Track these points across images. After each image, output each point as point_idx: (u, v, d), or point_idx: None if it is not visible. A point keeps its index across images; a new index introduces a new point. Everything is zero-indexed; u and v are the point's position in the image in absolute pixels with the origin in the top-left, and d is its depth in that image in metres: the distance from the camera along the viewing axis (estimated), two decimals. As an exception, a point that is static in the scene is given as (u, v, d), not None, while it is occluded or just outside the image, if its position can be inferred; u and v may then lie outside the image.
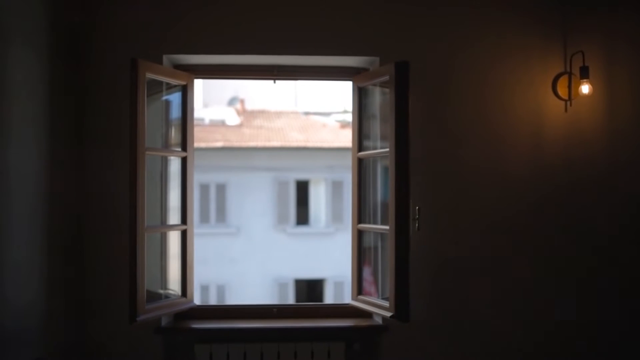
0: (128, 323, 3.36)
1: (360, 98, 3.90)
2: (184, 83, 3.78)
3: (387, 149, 3.50)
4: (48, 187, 3.34)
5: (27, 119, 3.18)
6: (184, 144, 3.80)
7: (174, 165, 3.86)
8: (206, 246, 13.32)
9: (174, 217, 3.84)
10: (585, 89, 3.71)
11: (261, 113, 17.92)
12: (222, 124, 17.51)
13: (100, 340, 3.70)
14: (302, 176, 15.54)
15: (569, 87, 3.79)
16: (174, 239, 3.85)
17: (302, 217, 15.49)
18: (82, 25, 3.70)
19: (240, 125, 17.12)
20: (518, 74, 3.84)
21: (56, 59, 3.44)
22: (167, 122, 3.90)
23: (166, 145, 3.87)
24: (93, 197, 3.70)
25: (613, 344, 3.86)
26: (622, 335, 3.86)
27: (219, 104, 18.93)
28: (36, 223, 3.26)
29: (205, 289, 14.71)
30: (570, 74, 3.80)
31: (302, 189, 15.60)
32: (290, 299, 15.18)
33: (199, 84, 17.57)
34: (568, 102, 3.82)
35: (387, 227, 3.52)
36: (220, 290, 15.03)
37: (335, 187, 15.32)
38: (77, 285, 3.67)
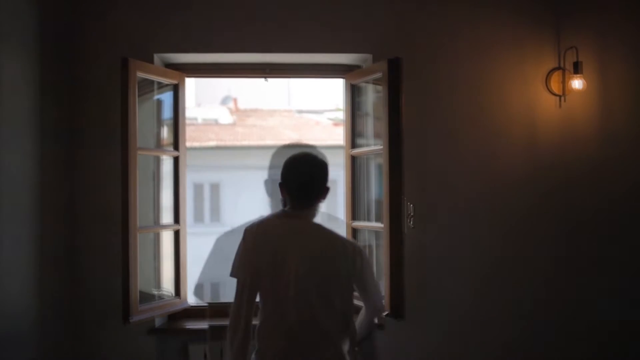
0: (121, 324, 3.34)
1: (353, 95, 3.88)
2: (175, 82, 3.76)
3: (381, 147, 3.49)
4: (39, 187, 3.32)
5: (17, 120, 3.15)
6: (176, 143, 3.79)
7: (167, 164, 3.84)
8: (201, 245, 13.30)
9: (167, 217, 3.82)
10: (578, 84, 3.71)
11: (254, 112, 17.88)
12: (215, 123, 17.46)
13: (93, 342, 3.68)
14: (296, 174, 15.51)
15: (563, 82, 3.79)
16: (167, 239, 3.83)
17: (297, 216, 15.44)
18: (72, 24, 3.67)
19: (234, 124, 17.08)
20: (511, 70, 3.84)
21: (46, 59, 3.41)
22: (159, 122, 3.88)
23: (158, 145, 3.84)
24: (85, 198, 3.68)
25: (613, 344, 3.86)
26: (622, 336, 3.86)
27: (212, 103, 18.86)
28: (27, 224, 3.23)
29: (199, 287, 14.68)
30: (563, 70, 3.80)
31: (297, 187, 15.58)
32: (285, 298, 15.16)
33: (191, 84, 17.48)
34: (561, 98, 3.81)
35: (381, 225, 3.50)
36: (215, 288, 15.00)
37: (330, 186, 15.31)
38: (70, 287, 3.64)
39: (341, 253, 2.53)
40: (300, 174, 2.59)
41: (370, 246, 3.86)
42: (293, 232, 2.54)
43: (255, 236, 2.55)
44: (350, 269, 2.53)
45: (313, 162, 2.62)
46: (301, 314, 2.45)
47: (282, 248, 2.50)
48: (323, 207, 2.74)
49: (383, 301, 2.92)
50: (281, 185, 2.61)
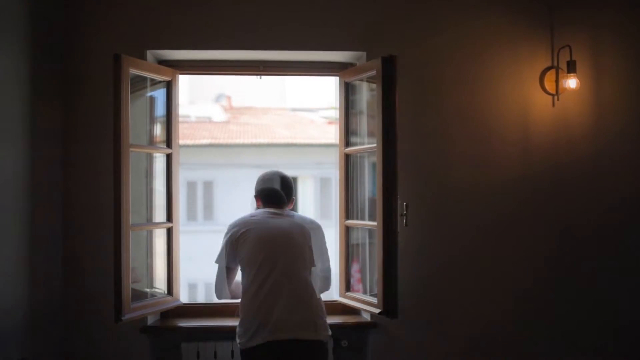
0: (113, 322, 3.31)
1: (347, 93, 3.87)
2: (168, 79, 3.74)
3: (374, 145, 3.47)
4: (31, 185, 3.29)
5: (9, 117, 3.12)
6: (169, 140, 3.77)
7: (160, 162, 3.82)
8: (194, 244, 13.26)
9: (159, 215, 3.79)
10: (572, 83, 3.71)
11: (248, 110, 17.84)
12: (208, 120, 17.41)
13: (85, 340, 3.66)
14: (289, 173, 15.46)
15: (557, 81, 3.79)
16: (159, 237, 3.81)
17: (291, 214, 15.40)
18: (64, 20, 3.65)
19: (227, 122, 17.03)
20: (505, 69, 3.83)
21: (38, 55, 3.39)
22: (152, 119, 3.85)
23: (151, 142, 3.82)
24: (77, 195, 3.65)
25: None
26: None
27: (205, 100, 18.82)
28: (19, 222, 3.20)
29: (193, 287, 14.62)
30: (557, 69, 3.80)
31: (290, 185, 15.53)
32: (278, 296, 15.10)
33: (185, 81, 17.44)
34: (555, 97, 3.81)
35: (374, 223, 3.50)
36: (209, 288, 14.96)
37: (323, 184, 15.29)
38: (62, 285, 3.62)
39: (304, 228, 3.30)
40: (267, 188, 3.41)
41: (363, 245, 3.85)
42: (268, 222, 3.27)
43: (237, 230, 3.25)
44: (307, 237, 3.27)
45: (276, 177, 3.47)
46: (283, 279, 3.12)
47: (261, 235, 3.21)
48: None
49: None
50: (256, 196, 3.43)
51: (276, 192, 3.40)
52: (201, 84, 18.37)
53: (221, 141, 15.31)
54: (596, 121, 3.86)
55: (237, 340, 3.17)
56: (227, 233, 3.29)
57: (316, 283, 3.26)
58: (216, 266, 3.31)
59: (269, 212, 3.33)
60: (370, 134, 3.69)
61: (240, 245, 3.21)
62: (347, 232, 3.88)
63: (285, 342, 3.05)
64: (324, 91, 17.76)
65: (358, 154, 3.86)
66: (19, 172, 3.21)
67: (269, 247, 3.18)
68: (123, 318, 3.31)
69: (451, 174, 3.81)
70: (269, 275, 3.12)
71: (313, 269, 3.25)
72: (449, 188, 3.80)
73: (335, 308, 3.87)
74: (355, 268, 3.89)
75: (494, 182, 3.82)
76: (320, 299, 3.25)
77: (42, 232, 3.44)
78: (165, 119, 3.79)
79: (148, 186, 3.80)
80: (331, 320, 3.72)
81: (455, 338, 3.80)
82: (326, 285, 3.40)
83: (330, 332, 3.22)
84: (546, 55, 3.84)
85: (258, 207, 3.41)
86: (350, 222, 3.85)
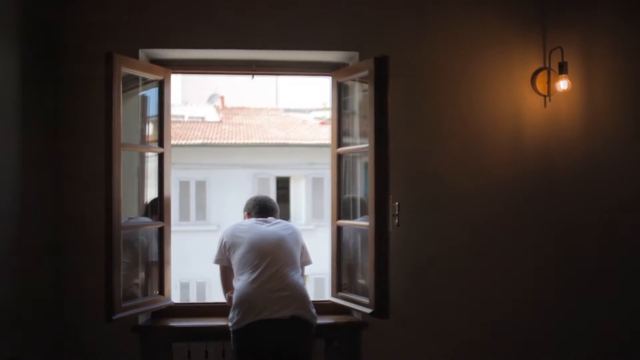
0: (104, 322, 3.30)
1: (340, 94, 3.87)
2: (160, 78, 3.72)
3: (367, 145, 3.48)
4: (22, 184, 3.27)
5: (1, 116, 3.10)
6: (161, 139, 3.75)
7: (152, 162, 3.81)
8: (187, 243, 13.23)
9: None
10: (563, 84, 3.73)
11: (241, 110, 17.83)
12: (201, 120, 17.40)
13: (76, 340, 3.64)
14: (282, 173, 15.50)
15: (548, 82, 3.80)
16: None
17: (283, 213, 15.34)
18: (57, 18, 3.63)
19: (220, 122, 17.02)
20: (497, 70, 3.84)
21: (30, 53, 3.37)
22: (144, 118, 3.84)
23: (143, 142, 3.81)
24: (69, 194, 3.64)
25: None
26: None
27: (199, 101, 18.81)
28: (10, 221, 3.18)
29: (185, 286, 14.60)
30: (549, 70, 3.81)
31: (283, 185, 15.56)
32: (271, 296, 15.06)
33: (178, 82, 17.43)
34: (547, 98, 3.83)
35: (366, 223, 3.50)
36: (200, 287, 14.93)
37: (316, 184, 15.30)
38: (53, 284, 3.60)
39: (294, 229, 3.71)
40: (258, 203, 3.81)
41: (355, 244, 3.85)
42: (261, 225, 3.65)
43: (230, 235, 3.62)
44: (299, 237, 3.68)
45: (266, 198, 3.91)
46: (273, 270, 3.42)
47: (252, 236, 3.54)
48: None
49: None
50: (248, 213, 3.84)
51: (267, 206, 3.80)
52: (194, 84, 18.36)
53: (214, 141, 15.30)
54: (588, 122, 3.88)
55: (229, 324, 3.36)
56: (222, 236, 3.65)
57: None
58: (217, 267, 3.69)
59: (260, 219, 3.70)
60: (363, 134, 3.69)
61: (235, 244, 3.54)
62: (339, 232, 3.88)
63: (277, 320, 3.26)
64: (317, 92, 17.75)
65: (350, 154, 3.86)
66: (11, 172, 3.19)
67: (262, 243, 3.48)
68: (114, 317, 3.30)
69: (443, 174, 3.81)
70: (261, 266, 3.41)
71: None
72: (441, 188, 3.81)
73: (327, 308, 3.87)
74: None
75: (486, 182, 3.83)
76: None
77: (34, 232, 3.42)
78: (157, 118, 3.77)
79: (140, 186, 3.78)
80: (323, 320, 3.73)
81: (447, 338, 3.81)
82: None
83: (317, 316, 3.43)
84: (538, 56, 3.86)
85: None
86: (342, 222, 3.85)
